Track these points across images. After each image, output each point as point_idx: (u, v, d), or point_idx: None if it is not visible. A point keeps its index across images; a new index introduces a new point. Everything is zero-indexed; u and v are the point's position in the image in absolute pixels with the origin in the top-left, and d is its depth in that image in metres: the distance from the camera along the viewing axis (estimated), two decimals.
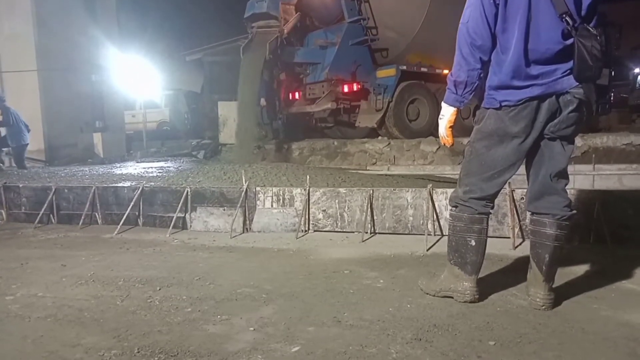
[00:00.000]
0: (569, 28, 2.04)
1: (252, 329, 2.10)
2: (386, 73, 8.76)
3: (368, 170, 7.35)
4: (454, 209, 2.36)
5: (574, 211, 2.24)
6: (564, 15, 2.03)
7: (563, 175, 2.22)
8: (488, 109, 2.23)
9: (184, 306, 2.41)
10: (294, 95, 9.53)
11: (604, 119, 11.51)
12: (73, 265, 3.24)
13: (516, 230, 3.68)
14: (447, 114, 2.34)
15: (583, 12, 2.08)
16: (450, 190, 3.95)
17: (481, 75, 2.19)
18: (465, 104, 2.27)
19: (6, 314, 2.37)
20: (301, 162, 8.99)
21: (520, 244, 3.56)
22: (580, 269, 2.87)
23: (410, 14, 8.80)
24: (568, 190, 2.29)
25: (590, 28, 2.04)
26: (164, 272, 3.02)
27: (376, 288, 2.61)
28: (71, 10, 11.17)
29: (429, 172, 7.37)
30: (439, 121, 2.39)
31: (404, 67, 8.77)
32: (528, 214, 2.39)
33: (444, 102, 2.34)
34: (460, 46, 2.18)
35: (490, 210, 2.30)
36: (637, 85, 16.11)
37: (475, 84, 2.20)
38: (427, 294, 2.45)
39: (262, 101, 9.43)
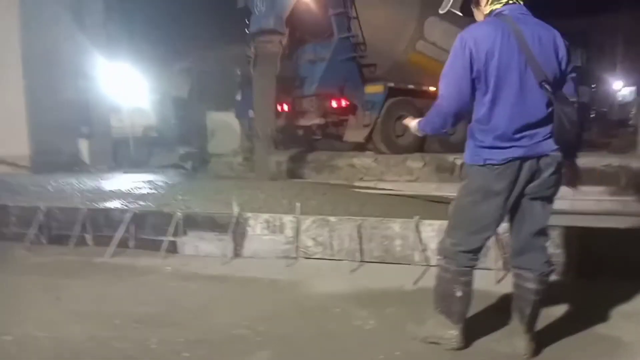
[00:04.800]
0: (549, 95, 2.17)
1: None
2: (374, 89, 8.87)
3: (365, 189, 7.40)
4: (441, 259, 2.47)
5: (554, 267, 2.38)
6: (543, 83, 2.16)
7: (543, 232, 2.35)
8: (473, 165, 2.35)
9: (181, 350, 2.48)
10: (282, 108, 9.60)
11: (585, 134, 11.85)
12: (68, 298, 3.28)
13: (499, 262, 3.82)
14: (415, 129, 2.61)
15: (558, 79, 2.22)
16: (437, 223, 4.10)
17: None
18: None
19: (5, 356, 2.42)
20: (289, 176, 9.07)
21: (503, 276, 3.69)
22: (560, 311, 3.00)
23: (398, 31, 8.94)
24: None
25: (567, 95, 2.19)
26: (158, 307, 3.08)
27: (366, 331, 2.72)
28: (57, 16, 11.06)
29: (416, 190, 7.49)
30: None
31: (392, 84, 8.90)
32: (512, 268, 2.51)
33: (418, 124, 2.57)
34: (438, 98, 2.38)
35: (476, 263, 2.42)
36: (618, 101, 16.58)
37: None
38: (415, 338, 2.57)
39: (251, 113, 9.47)
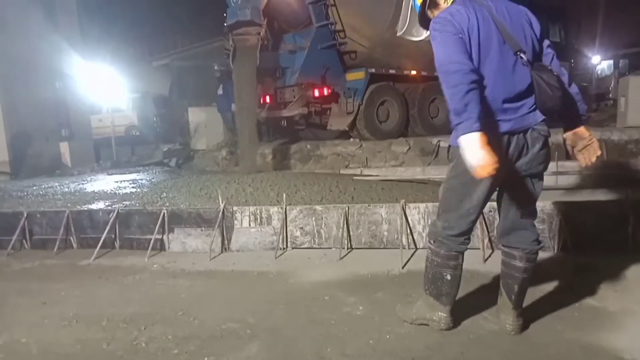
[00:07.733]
0: (525, 63, 2.16)
1: None
2: (355, 76, 8.85)
3: (351, 176, 7.41)
4: (432, 242, 2.45)
5: (542, 244, 2.39)
6: (519, 53, 2.15)
7: (532, 211, 2.35)
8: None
9: (170, 347, 2.46)
10: (264, 100, 9.54)
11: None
12: (53, 302, 3.23)
13: (485, 241, 3.85)
14: (468, 144, 2.02)
15: (537, 53, 2.22)
16: (423, 205, 4.12)
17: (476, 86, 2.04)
18: (479, 123, 2.01)
19: None
20: (274, 167, 9.04)
21: (489, 255, 3.72)
22: (547, 285, 3.04)
23: (377, 16, 8.88)
24: None
25: (544, 64, 2.19)
26: (146, 306, 3.05)
27: (356, 317, 2.72)
28: (30, 15, 10.82)
29: (402, 175, 7.51)
30: (465, 155, 2.04)
31: (373, 70, 8.87)
32: (500, 246, 2.50)
33: (460, 137, 2.04)
34: (447, 81, 2.06)
35: (466, 248, 2.40)
36: (596, 75, 16.73)
37: (477, 96, 2.03)
38: (405, 321, 2.57)
39: (233, 107, 9.40)
